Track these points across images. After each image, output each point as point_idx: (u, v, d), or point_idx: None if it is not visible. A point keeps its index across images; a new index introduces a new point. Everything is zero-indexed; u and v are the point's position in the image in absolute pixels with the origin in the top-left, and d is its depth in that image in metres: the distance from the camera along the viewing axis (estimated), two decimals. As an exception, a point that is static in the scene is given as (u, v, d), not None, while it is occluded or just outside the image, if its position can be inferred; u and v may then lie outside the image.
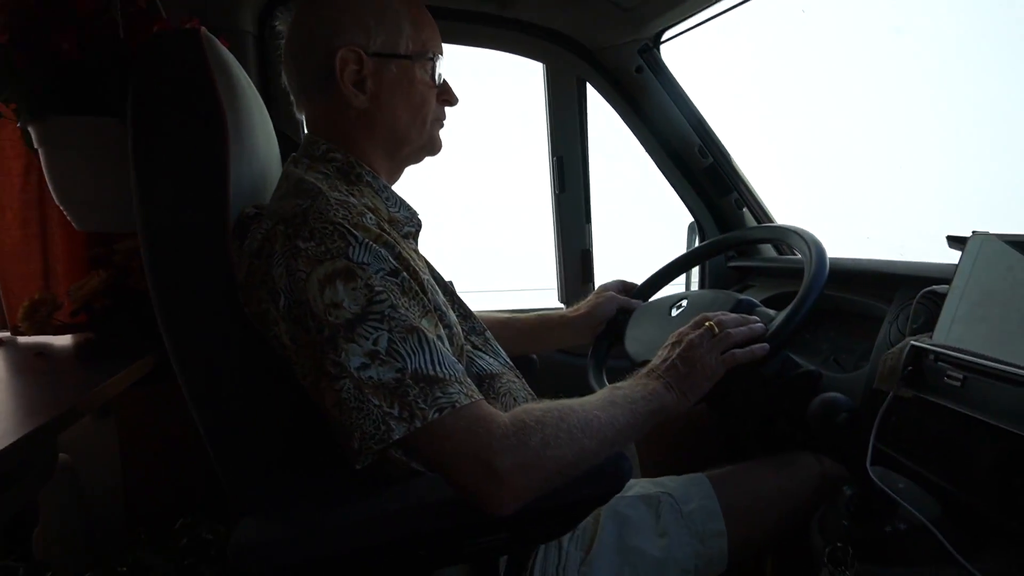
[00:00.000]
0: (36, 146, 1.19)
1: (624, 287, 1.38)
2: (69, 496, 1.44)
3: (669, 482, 1.01)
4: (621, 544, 0.92)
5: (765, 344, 0.96)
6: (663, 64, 1.73)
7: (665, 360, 0.94)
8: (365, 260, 0.78)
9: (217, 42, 0.91)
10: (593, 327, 1.32)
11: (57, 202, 1.27)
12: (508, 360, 1.08)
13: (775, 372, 1.04)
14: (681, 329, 0.98)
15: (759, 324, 0.98)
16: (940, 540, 0.81)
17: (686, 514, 0.95)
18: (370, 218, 0.84)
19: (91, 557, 1.37)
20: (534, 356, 1.33)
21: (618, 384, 0.91)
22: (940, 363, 0.88)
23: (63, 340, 1.37)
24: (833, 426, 0.85)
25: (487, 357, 1.03)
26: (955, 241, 0.99)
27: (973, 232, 0.95)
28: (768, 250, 1.77)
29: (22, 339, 1.35)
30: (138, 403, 1.50)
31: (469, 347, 1.01)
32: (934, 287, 1.01)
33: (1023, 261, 0.87)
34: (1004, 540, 0.81)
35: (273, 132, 1.09)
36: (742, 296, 1.11)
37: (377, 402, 0.74)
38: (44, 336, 1.35)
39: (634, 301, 1.32)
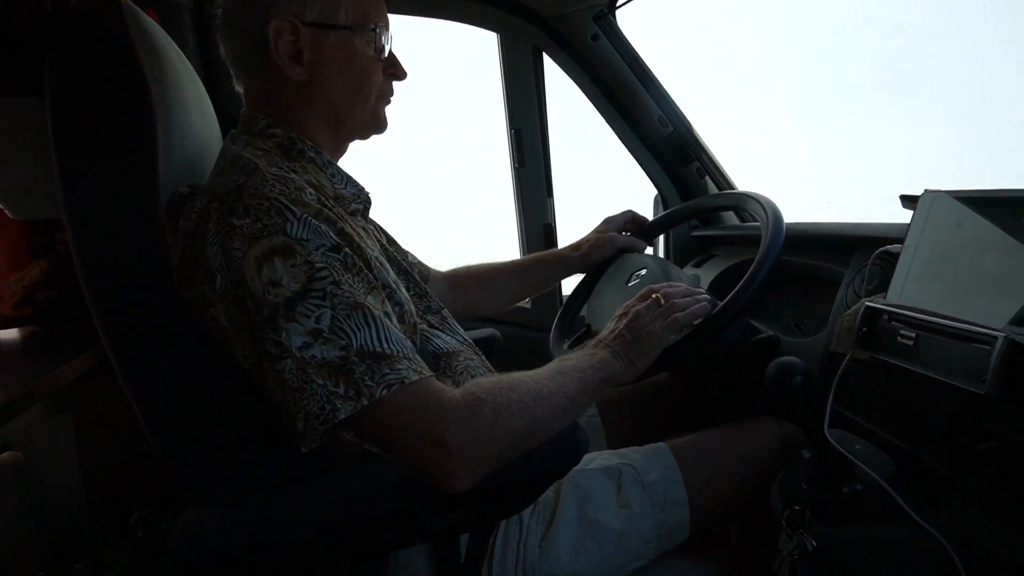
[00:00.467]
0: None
1: (634, 219, 1.35)
2: (24, 495, 1.40)
3: (631, 453, 1.01)
4: (582, 517, 0.92)
5: (704, 303, 0.95)
6: (619, 31, 1.69)
7: (612, 331, 0.94)
8: (304, 236, 0.75)
9: (142, 14, 0.87)
10: (590, 268, 1.32)
11: (-11, 190, 1.22)
12: (466, 338, 1.06)
13: (736, 339, 1.04)
14: (628, 302, 0.98)
15: (704, 295, 0.98)
16: (895, 499, 0.81)
17: (647, 484, 0.95)
18: (310, 193, 0.81)
19: (50, 555, 1.33)
20: (497, 333, 1.32)
21: (566, 356, 0.91)
22: (893, 323, 0.88)
23: (7, 334, 1.33)
24: (788, 389, 0.85)
25: (444, 335, 1.01)
26: (908, 200, 0.99)
27: (924, 190, 0.94)
28: (731, 218, 1.77)
29: (-39, 335, 1.30)
30: (94, 397, 1.46)
31: (424, 326, 0.99)
32: (888, 247, 1.00)
33: (973, 217, 0.87)
34: (956, 496, 0.82)
35: (211, 109, 1.05)
36: (692, 271, 1.10)
37: (321, 381, 0.72)
38: (-15, 330, 1.31)
39: (638, 242, 1.31)
